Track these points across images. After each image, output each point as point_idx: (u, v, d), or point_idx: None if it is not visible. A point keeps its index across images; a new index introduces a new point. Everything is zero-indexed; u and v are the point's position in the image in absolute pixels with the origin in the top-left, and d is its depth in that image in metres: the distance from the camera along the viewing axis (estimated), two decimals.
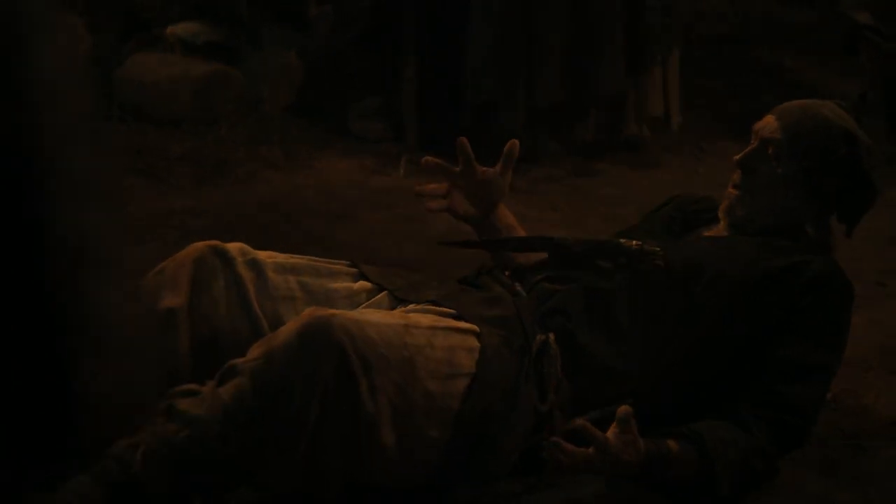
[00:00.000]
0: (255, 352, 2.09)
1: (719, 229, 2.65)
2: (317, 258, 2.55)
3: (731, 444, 2.33)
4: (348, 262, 2.58)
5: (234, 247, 2.44)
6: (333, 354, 2.05)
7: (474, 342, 2.27)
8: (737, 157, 2.60)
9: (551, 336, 2.38)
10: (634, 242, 2.50)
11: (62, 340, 1.11)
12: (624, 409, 2.22)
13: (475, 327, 2.30)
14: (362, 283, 2.52)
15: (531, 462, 2.32)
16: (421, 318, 2.28)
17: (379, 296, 2.49)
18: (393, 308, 2.45)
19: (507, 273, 2.60)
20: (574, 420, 2.26)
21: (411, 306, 2.42)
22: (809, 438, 2.47)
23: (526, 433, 2.31)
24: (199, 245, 2.42)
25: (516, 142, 2.68)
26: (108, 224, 1.12)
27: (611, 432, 2.22)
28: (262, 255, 2.48)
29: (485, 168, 2.69)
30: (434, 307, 2.37)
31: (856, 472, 2.49)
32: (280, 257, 2.49)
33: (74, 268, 1.11)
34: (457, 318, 2.33)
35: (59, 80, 1.10)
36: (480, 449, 2.23)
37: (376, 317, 2.20)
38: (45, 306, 1.11)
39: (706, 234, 2.66)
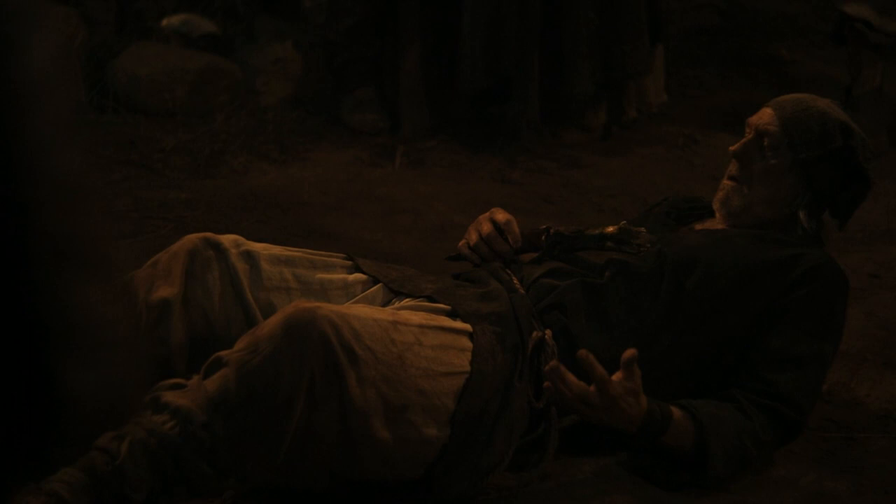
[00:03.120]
0: (240, 344, 2.10)
1: (714, 222, 2.66)
2: (312, 251, 2.55)
3: (725, 422, 2.34)
4: (344, 255, 2.58)
5: (227, 238, 2.45)
6: (318, 345, 2.05)
7: (467, 342, 2.28)
8: (733, 147, 2.60)
9: (548, 332, 2.38)
10: (614, 227, 2.49)
11: (45, 341, 1.11)
12: (630, 351, 2.21)
13: (468, 327, 2.30)
14: (357, 276, 2.53)
15: (526, 457, 2.33)
16: (411, 315, 2.28)
17: (374, 288, 2.49)
18: (388, 301, 2.46)
19: (504, 268, 2.59)
20: (551, 362, 2.24)
21: (405, 301, 2.42)
22: (803, 429, 2.47)
23: (521, 430, 2.32)
24: (193, 237, 2.43)
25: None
26: (93, 223, 1.12)
27: (615, 377, 2.22)
28: (257, 246, 2.48)
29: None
30: (428, 303, 2.37)
31: (848, 463, 2.50)
32: (275, 249, 2.50)
33: (59, 267, 1.10)
34: (451, 315, 2.34)
35: (43, 76, 1.10)
36: (475, 446, 2.23)
37: (363, 311, 2.21)
38: (27, 306, 1.11)
39: (701, 226, 2.67)
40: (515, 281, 2.51)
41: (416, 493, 2.23)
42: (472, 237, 2.64)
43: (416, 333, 2.22)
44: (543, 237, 2.56)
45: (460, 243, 2.67)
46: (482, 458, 2.24)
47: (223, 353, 2.08)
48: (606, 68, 5.44)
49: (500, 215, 2.63)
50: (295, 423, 2.04)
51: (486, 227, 2.62)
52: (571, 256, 2.56)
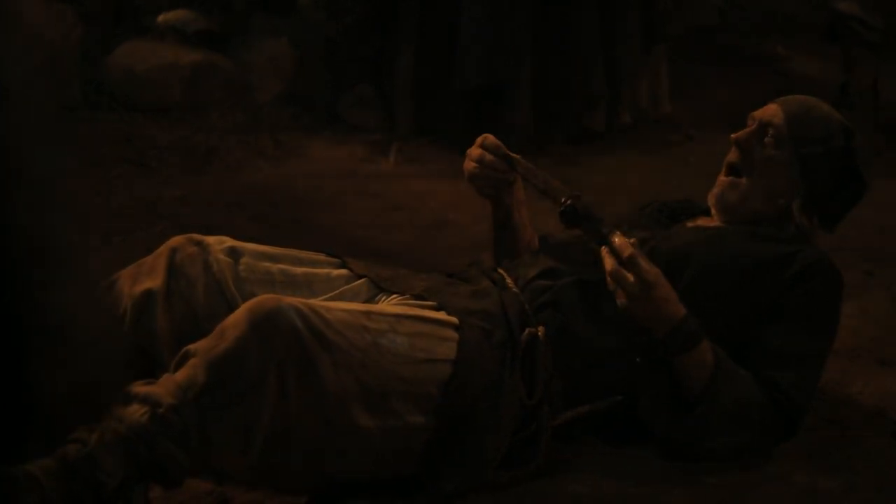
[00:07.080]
0: (208, 336, 2.10)
1: (707, 220, 2.67)
2: (300, 251, 2.56)
3: (743, 380, 2.37)
4: (331, 252, 2.59)
5: (212, 238, 2.46)
6: (285, 330, 2.05)
7: (451, 333, 2.28)
8: (735, 135, 2.62)
9: (541, 329, 2.38)
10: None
11: (24, 340, 1.10)
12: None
13: (454, 319, 2.30)
14: (343, 271, 2.53)
15: (519, 455, 2.33)
16: (387, 307, 2.29)
17: (358, 281, 2.50)
18: (373, 297, 2.46)
19: (499, 269, 2.59)
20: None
21: (392, 298, 2.42)
22: (801, 427, 2.48)
23: (513, 428, 2.31)
24: (178, 237, 2.45)
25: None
26: (70, 223, 1.12)
27: None
28: (242, 244, 2.49)
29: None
30: (415, 301, 2.37)
31: (842, 461, 2.50)
32: (260, 247, 2.51)
33: (35, 267, 1.10)
34: (437, 309, 2.34)
35: (20, 77, 1.10)
36: (466, 442, 2.23)
37: (333, 303, 2.22)
38: (3, 304, 1.11)
39: (693, 224, 2.67)
40: (509, 280, 2.51)
41: (408, 492, 2.23)
42: (470, 166, 2.73)
43: (390, 322, 2.22)
44: (563, 199, 2.51)
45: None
46: (473, 455, 2.24)
47: (190, 346, 2.09)
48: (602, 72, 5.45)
49: (488, 141, 2.73)
50: (269, 411, 2.04)
51: (476, 153, 2.73)
52: (565, 253, 2.56)
